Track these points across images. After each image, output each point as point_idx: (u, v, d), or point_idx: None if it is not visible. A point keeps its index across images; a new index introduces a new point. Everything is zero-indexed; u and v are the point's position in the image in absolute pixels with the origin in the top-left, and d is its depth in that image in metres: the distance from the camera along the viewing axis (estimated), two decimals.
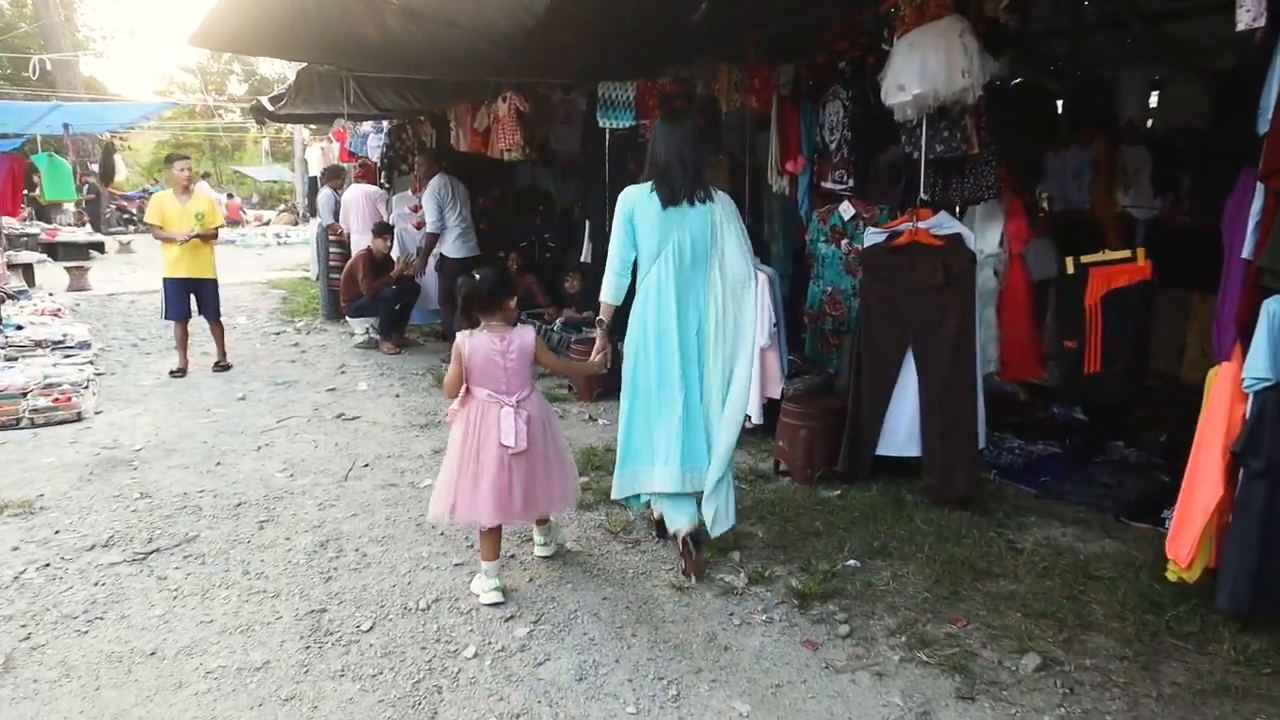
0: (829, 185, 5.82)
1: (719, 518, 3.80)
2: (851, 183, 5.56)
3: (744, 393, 3.86)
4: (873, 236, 4.45)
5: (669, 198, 3.76)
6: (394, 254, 9.09)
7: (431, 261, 9.29)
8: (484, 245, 9.87)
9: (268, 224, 28.18)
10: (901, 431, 4.53)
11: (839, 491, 4.77)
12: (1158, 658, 3.20)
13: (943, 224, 4.33)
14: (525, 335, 3.58)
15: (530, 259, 9.87)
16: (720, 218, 3.82)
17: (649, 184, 3.83)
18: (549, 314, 8.80)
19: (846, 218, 5.76)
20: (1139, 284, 4.11)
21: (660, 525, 4.09)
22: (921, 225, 4.31)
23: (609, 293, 3.92)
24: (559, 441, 3.75)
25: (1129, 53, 6.68)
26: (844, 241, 5.80)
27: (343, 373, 7.84)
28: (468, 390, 3.57)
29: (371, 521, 4.47)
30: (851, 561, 3.97)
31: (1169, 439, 5.44)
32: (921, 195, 4.35)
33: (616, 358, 4.18)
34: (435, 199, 8.15)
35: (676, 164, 3.77)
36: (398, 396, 6.99)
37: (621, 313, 3.97)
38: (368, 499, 4.78)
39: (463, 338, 3.54)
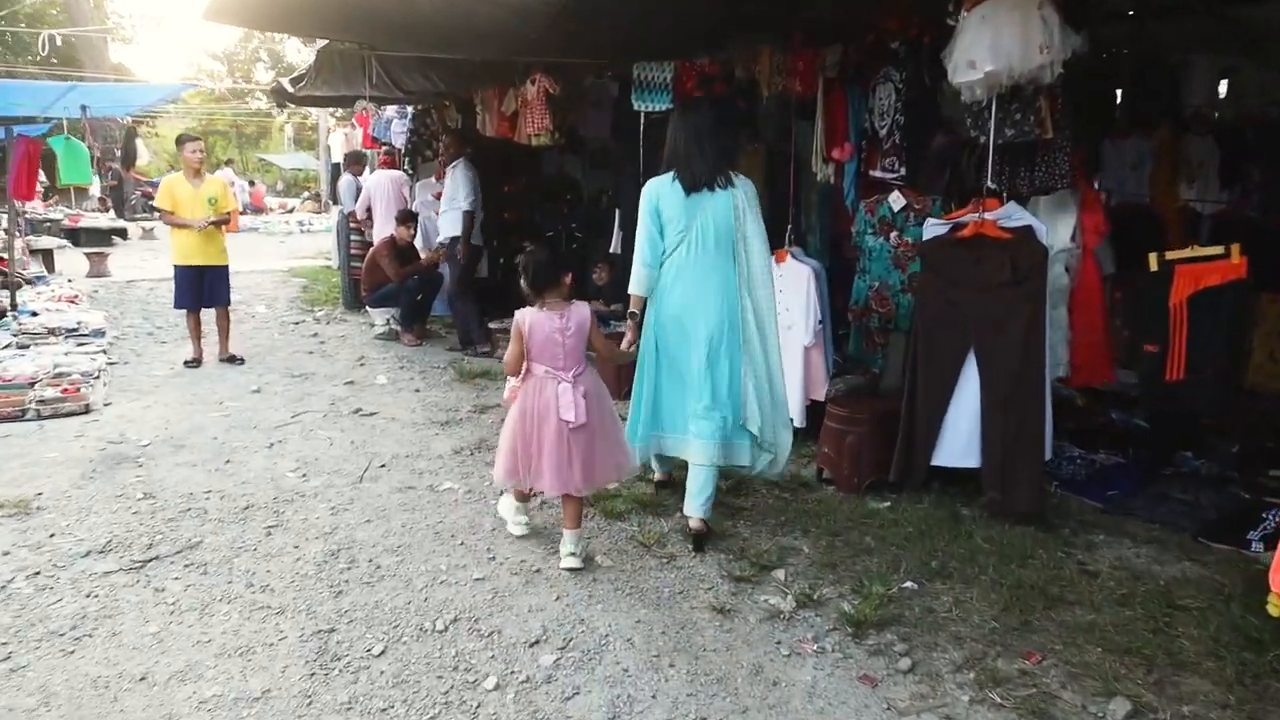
0: (877, 174, 5.44)
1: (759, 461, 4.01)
2: (903, 171, 5.18)
3: (774, 385, 3.99)
4: (934, 228, 4.08)
5: (690, 184, 3.87)
6: (417, 242, 8.78)
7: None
8: (509, 234, 9.58)
9: (291, 211, 28.04)
10: (960, 440, 4.16)
11: (889, 503, 4.41)
12: (1265, 706, 2.82)
13: (1012, 215, 3.95)
14: (582, 311, 3.66)
15: (557, 249, 9.53)
16: (742, 203, 3.90)
17: (670, 173, 3.93)
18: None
19: (896, 209, 5.38)
20: (1232, 283, 3.72)
21: (660, 483, 4.49)
22: (988, 216, 3.93)
23: (639, 284, 3.99)
24: (612, 415, 3.80)
25: (1195, 37, 6.24)
26: (893, 234, 5.42)
27: (362, 365, 7.55)
28: (527, 368, 3.65)
29: (387, 529, 4.16)
30: (908, 583, 3.60)
31: (1242, 450, 5.04)
32: (988, 184, 3.97)
33: None
34: (469, 179, 7.81)
35: (695, 150, 3.88)
36: (418, 391, 6.68)
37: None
38: (383, 503, 4.46)
39: (523, 315, 3.61)
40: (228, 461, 5.05)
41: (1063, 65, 3.67)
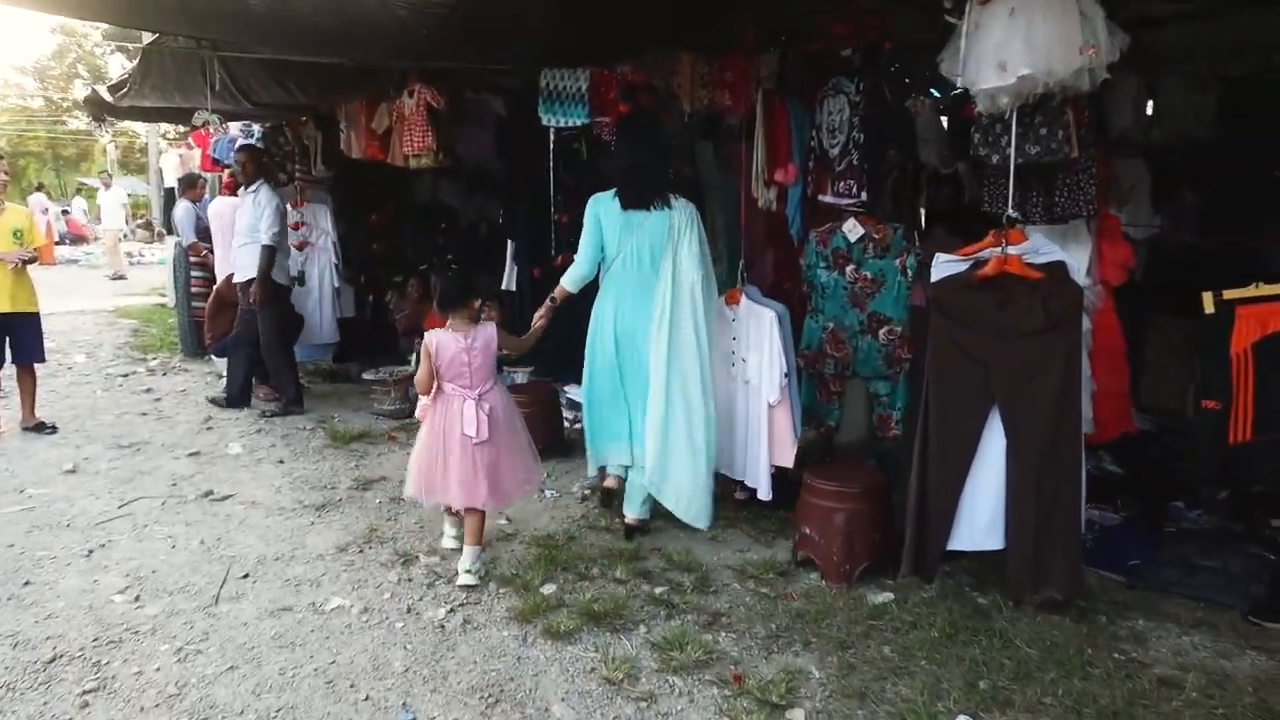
0: (829, 199, 4.67)
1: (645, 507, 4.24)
2: (863, 195, 4.42)
3: (699, 409, 4.03)
4: (946, 266, 3.30)
5: (628, 202, 4.08)
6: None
7: (323, 282, 7.73)
8: (378, 268, 8.36)
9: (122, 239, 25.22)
10: (981, 519, 3.39)
11: (891, 595, 3.59)
12: None
13: (1039, 250, 3.22)
14: (487, 331, 3.72)
15: (432, 284, 8.39)
16: (679, 223, 4.04)
17: (613, 189, 4.16)
18: None
19: (853, 239, 4.62)
20: None
21: (605, 494, 4.48)
22: (1013, 251, 3.19)
23: (569, 280, 4.24)
24: (521, 432, 3.90)
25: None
26: (849, 268, 4.65)
27: (209, 429, 6.18)
28: (438, 386, 3.70)
29: (259, 680, 3.00)
30: (962, 717, 2.78)
31: (1233, 496, 4.53)
32: (1010, 212, 3.23)
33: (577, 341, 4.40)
34: (274, 206, 6.41)
35: (636, 169, 4.10)
36: (282, 463, 5.42)
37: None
38: (250, 637, 3.29)
39: (431, 336, 3.68)
40: (27, 583, 3.72)
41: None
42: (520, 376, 6.64)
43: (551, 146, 5.36)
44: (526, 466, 3.88)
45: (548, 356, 6.50)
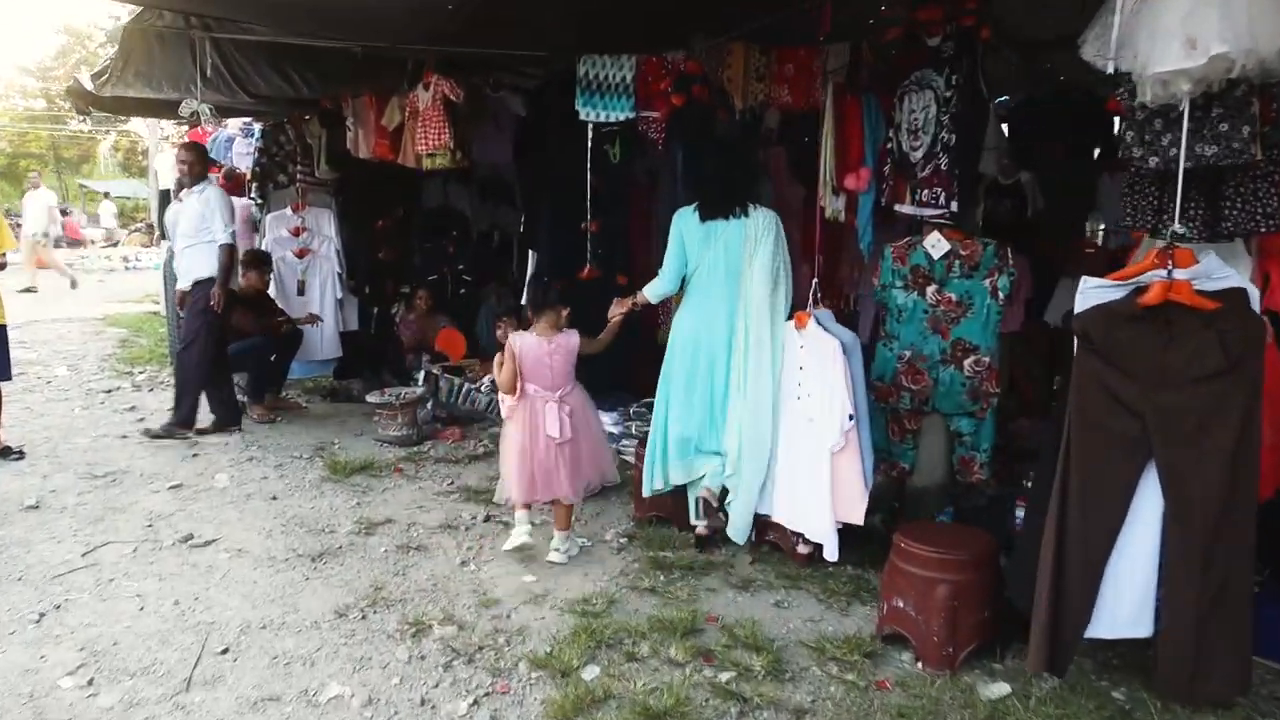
0: (908, 209, 4.04)
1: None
2: (953, 206, 3.78)
3: (763, 438, 3.90)
4: (1095, 293, 2.65)
5: (706, 212, 3.93)
6: (270, 289, 6.79)
7: (324, 293, 7.09)
8: (384, 278, 7.71)
9: (116, 245, 24.60)
10: (1128, 601, 2.74)
11: (1007, 688, 2.93)
12: None
13: (1213, 273, 2.57)
14: (570, 340, 3.91)
15: (442, 296, 7.75)
16: (754, 233, 3.86)
17: (693, 202, 4.00)
18: (474, 369, 6.69)
19: (936, 255, 3.98)
20: None
21: (700, 540, 4.12)
22: (1181, 275, 2.54)
23: (651, 291, 4.13)
24: (598, 430, 4.19)
25: None
26: (931, 288, 4.02)
27: (194, 456, 5.51)
28: (522, 387, 3.87)
29: None
30: None
31: None
32: (1175, 227, 2.58)
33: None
34: (224, 204, 5.77)
35: (715, 175, 3.93)
36: (274, 499, 4.75)
37: None
38: None
39: (515, 338, 3.89)
40: None
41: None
42: None
43: (589, 146, 4.71)
44: (602, 460, 4.11)
45: None
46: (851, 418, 3.55)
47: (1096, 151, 5.91)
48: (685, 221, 3.96)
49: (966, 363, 4.00)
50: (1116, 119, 6.09)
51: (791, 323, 3.75)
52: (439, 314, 7.57)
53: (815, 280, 3.84)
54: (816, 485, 3.72)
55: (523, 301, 6.43)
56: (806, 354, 3.67)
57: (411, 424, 5.80)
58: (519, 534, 3.97)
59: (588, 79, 4.25)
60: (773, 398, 3.88)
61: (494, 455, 5.54)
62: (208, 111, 4.78)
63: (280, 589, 3.66)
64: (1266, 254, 2.96)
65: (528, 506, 4.01)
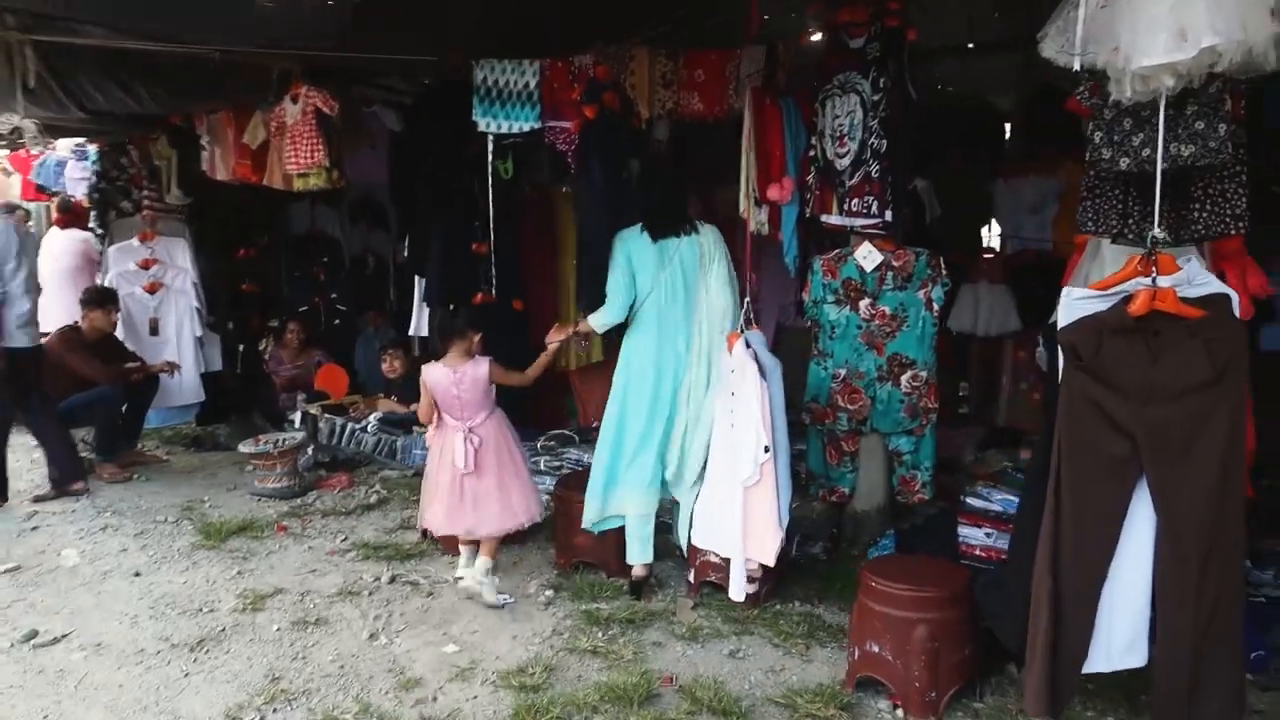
0: (836, 220, 3.81)
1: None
2: (887, 215, 3.56)
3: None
4: (1080, 304, 2.44)
5: (659, 231, 3.68)
6: (118, 330, 5.96)
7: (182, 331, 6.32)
8: (248, 311, 6.98)
9: None
10: (1122, 631, 2.53)
11: None
12: None
13: (1193, 279, 2.40)
14: (478, 368, 3.71)
15: (314, 328, 7.08)
16: (708, 248, 3.69)
17: (639, 223, 3.71)
18: (358, 407, 6.08)
19: (868, 267, 3.77)
20: None
21: (634, 586, 3.78)
22: (1164, 282, 2.36)
23: (597, 320, 3.81)
24: (516, 464, 3.84)
25: None
26: (864, 302, 3.81)
27: (33, 529, 4.71)
28: (438, 417, 3.80)
29: None
30: None
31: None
32: (1155, 231, 2.40)
33: None
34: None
35: (660, 193, 3.71)
36: (137, 575, 4.06)
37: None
38: None
39: (426, 370, 3.76)
40: None
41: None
42: None
43: (487, 160, 4.26)
44: (525, 497, 3.80)
45: None
46: (767, 449, 3.22)
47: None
48: (633, 243, 3.68)
49: (904, 378, 3.80)
50: (1006, 128, 6.19)
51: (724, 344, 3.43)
52: (313, 348, 6.91)
53: (747, 300, 3.53)
54: (730, 518, 3.39)
55: (410, 332, 5.90)
56: (736, 378, 3.35)
57: (292, 473, 5.17)
58: (461, 567, 3.79)
59: (486, 86, 3.83)
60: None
61: (389, 503, 5.02)
62: (33, 130, 4.06)
63: (153, 692, 3.05)
64: (1219, 255, 2.85)
65: (470, 544, 3.80)
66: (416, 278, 5.65)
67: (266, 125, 4.93)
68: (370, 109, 5.77)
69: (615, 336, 5.89)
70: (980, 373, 6.08)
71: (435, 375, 3.71)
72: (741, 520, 3.23)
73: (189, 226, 6.48)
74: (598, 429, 5.66)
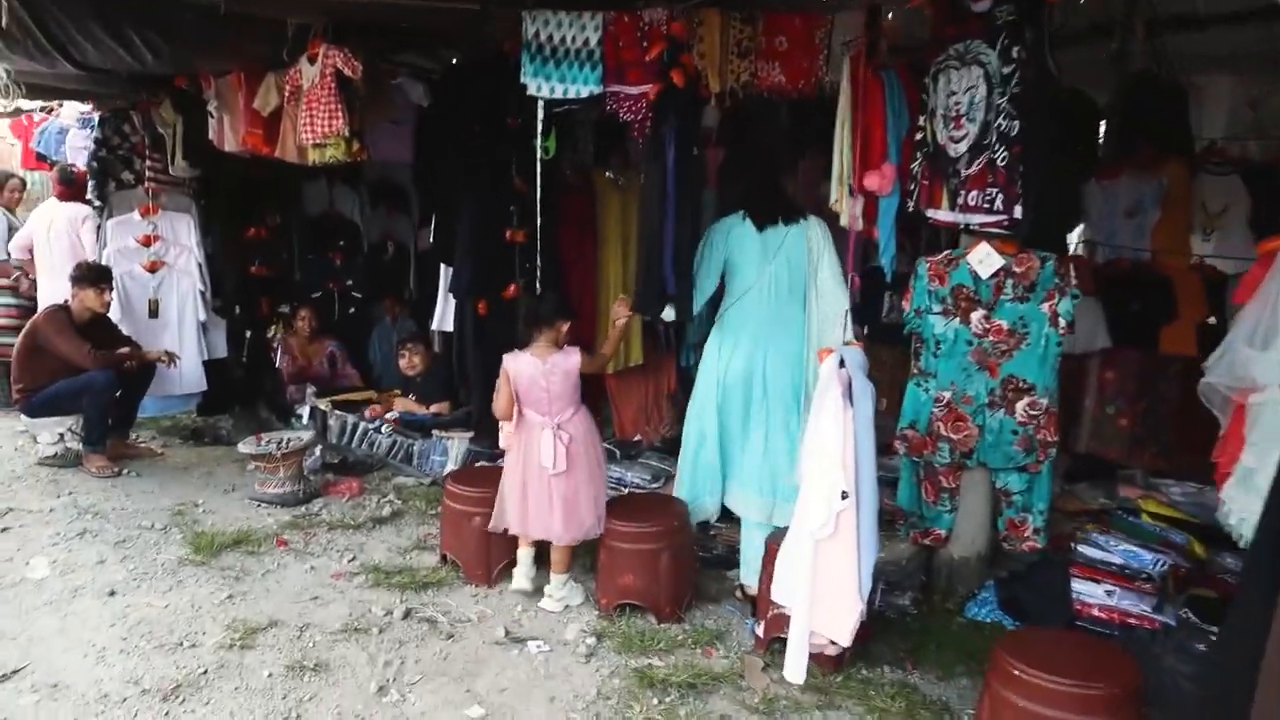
0: (946, 217, 3.17)
1: None
2: (1016, 212, 2.92)
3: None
4: None
5: (765, 218, 3.33)
6: (112, 312, 5.37)
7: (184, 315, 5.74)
8: (258, 296, 6.36)
9: None
10: None
11: None
12: None
13: None
14: (569, 358, 3.41)
15: (327, 316, 6.46)
16: (816, 240, 3.32)
17: (740, 210, 3.38)
18: (374, 408, 5.46)
19: (985, 273, 3.14)
20: None
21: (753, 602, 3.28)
22: None
23: (670, 315, 3.45)
24: (598, 466, 3.53)
25: (1215, 54, 4.66)
26: (977, 315, 3.18)
27: (3, 529, 4.12)
28: (519, 412, 3.45)
29: None
30: None
31: None
32: None
33: None
34: None
35: (767, 176, 3.45)
36: (112, 594, 3.46)
37: None
38: None
39: (509, 360, 3.43)
40: None
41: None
42: (454, 447, 4.86)
43: (537, 135, 3.61)
44: (596, 506, 3.46)
45: (494, 425, 4.76)
46: (845, 495, 2.58)
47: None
48: (735, 233, 3.32)
49: (1020, 405, 3.17)
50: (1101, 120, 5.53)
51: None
52: (325, 337, 6.30)
53: (846, 309, 2.90)
54: (798, 574, 2.74)
55: (433, 326, 5.28)
56: (817, 402, 2.71)
57: (297, 478, 4.56)
58: (521, 575, 3.51)
59: (538, 42, 3.19)
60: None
61: (403, 517, 4.41)
62: (5, 79, 3.43)
63: None
64: None
65: (532, 545, 3.53)
66: (442, 267, 5.02)
67: (280, 89, 4.31)
68: (395, 81, 5.15)
69: (649, 338, 5.33)
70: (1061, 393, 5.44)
71: (521, 366, 3.39)
72: (810, 579, 2.60)
73: (195, 202, 5.86)
74: (637, 443, 5.09)
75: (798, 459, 3.09)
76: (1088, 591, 3.24)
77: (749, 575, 3.43)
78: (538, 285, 3.80)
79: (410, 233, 7.02)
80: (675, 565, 3.32)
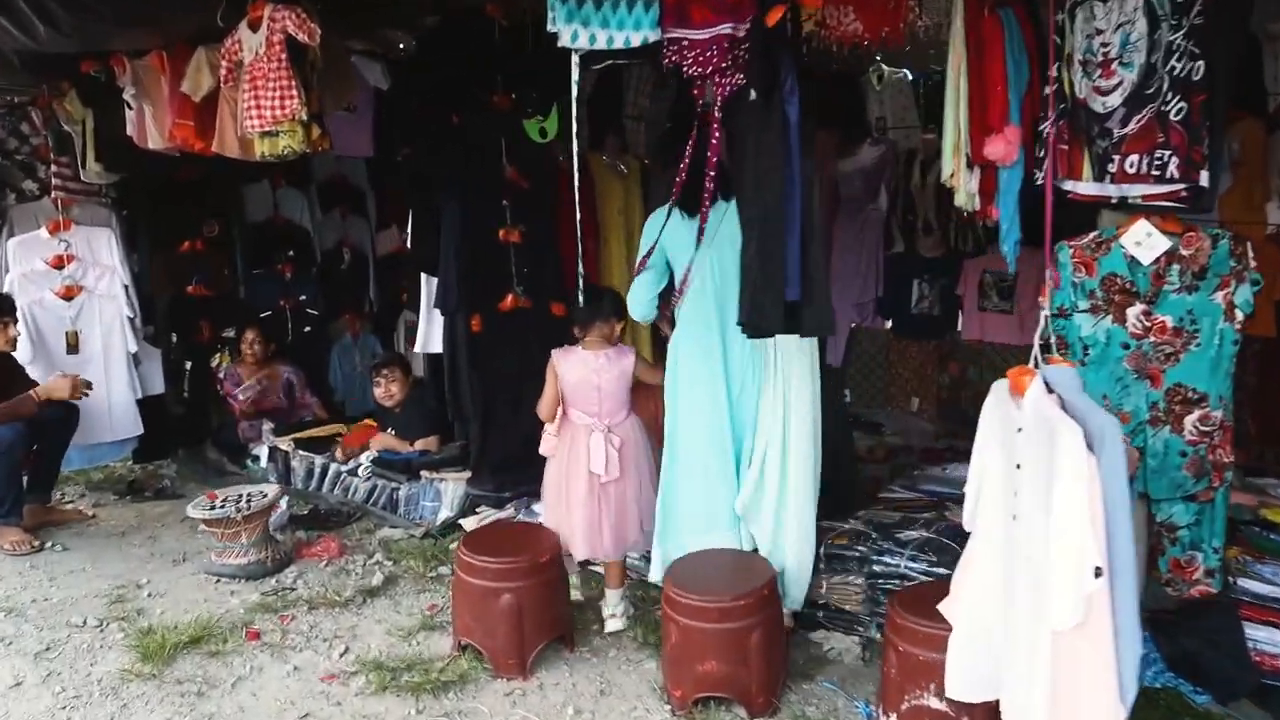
0: (1091, 188, 2.48)
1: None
2: (1203, 179, 2.24)
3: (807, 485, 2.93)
4: None
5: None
6: (21, 350, 4.41)
7: (109, 347, 4.82)
8: (197, 319, 5.43)
9: None
10: None
11: None
12: None
13: None
14: (625, 358, 3.14)
15: (280, 337, 5.56)
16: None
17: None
18: (345, 441, 4.61)
19: (1146, 258, 2.47)
20: None
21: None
22: None
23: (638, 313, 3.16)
24: (650, 474, 3.20)
25: None
26: (1135, 310, 2.51)
27: None
28: (564, 413, 3.13)
29: None
30: None
31: None
32: None
33: None
34: None
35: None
36: None
37: None
38: None
39: (557, 355, 3.15)
40: None
41: None
42: (449, 490, 4.06)
43: (575, 97, 2.75)
44: (647, 515, 3.19)
45: (497, 463, 3.96)
46: (1099, 573, 1.87)
47: None
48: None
49: (1189, 420, 2.51)
50: None
51: (1004, 385, 2.07)
52: (278, 362, 5.41)
53: (1048, 314, 2.16)
54: (1031, 673, 2.04)
55: (415, 348, 4.44)
56: (1026, 443, 2.00)
57: (263, 543, 3.70)
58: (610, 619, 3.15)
59: None
60: (814, 434, 2.96)
61: (399, 583, 3.60)
62: None
63: None
64: None
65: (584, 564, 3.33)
66: (423, 278, 4.19)
67: (214, 66, 3.43)
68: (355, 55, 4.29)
69: (658, 342, 4.62)
70: None
71: (571, 363, 3.11)
72: (1048, 684, 1.90)
73: (115, 213, 4.92)
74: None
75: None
76: (1266, 639, 2.62)
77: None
78: (580, 296, 3.02)
79: (368, 237, 6.19)
80: (767, 643, 2.59)
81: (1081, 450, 1.73)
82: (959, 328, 5.20)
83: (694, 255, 2.91)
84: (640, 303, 3.10)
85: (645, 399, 3.39)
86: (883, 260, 5.28)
